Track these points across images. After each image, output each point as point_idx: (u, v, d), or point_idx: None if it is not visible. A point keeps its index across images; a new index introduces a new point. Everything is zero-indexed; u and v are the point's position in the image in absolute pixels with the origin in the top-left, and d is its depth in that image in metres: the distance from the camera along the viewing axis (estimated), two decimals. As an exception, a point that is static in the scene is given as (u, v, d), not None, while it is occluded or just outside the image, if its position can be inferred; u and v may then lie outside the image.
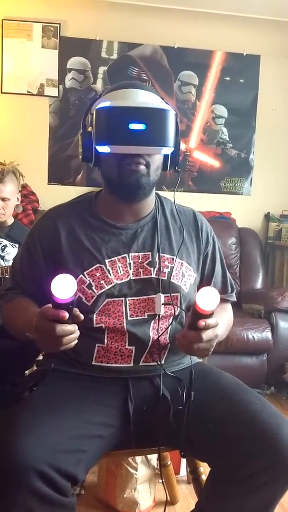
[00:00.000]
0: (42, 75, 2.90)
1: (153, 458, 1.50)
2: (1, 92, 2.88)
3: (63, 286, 0.80)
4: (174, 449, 1.13)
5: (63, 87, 2.94)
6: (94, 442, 0.92)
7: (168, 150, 0.99)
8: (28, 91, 2.90)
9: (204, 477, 1.13)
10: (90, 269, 1.02)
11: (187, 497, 1.56)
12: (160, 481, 1.53)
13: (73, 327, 0.84)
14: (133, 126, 0.92)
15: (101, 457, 0.98)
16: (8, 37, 2.84)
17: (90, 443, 0.91)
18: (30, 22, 2.84)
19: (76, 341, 0.87)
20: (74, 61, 2.94)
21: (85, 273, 1.02)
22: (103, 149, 0.97)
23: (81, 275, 1.01)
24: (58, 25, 2.87)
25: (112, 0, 2.85)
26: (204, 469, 1.09)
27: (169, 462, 1.44)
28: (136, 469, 1.45)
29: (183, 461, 1.64)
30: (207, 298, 0.86)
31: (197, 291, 1.06)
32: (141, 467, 1.46)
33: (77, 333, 0.86)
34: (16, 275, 1.11)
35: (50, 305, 0.83)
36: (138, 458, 1.45)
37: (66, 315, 0.81)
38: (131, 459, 1.44)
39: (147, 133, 0.93)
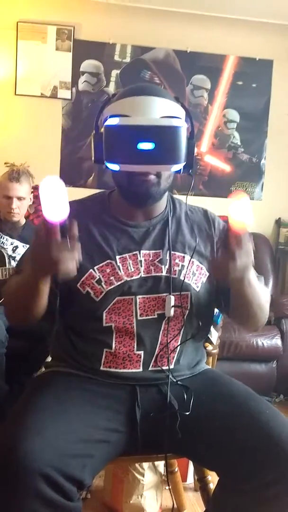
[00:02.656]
0: (55, 78, 2.92)
1: (160, 464, 1.48)
2: (15, 94, 2.89)
3: (54, 203, 0.75)
4: (181, 456, 1.12)
5: (76, 89, 2.95)
6: (101, 447, 0.92)
7: (179, 167, 0.97)
8: (41, 93, 2.91)
9: (212, 486, 1.11)
10: (100, 265, 1.02)
11: (194, 504, 1.55)
12: (167, 488, 1.52)
13: (72, 249, 0.81)
14: (142, 146, 0.90)
15: (107, 462, 0.97)
16: (23, 39, 2.86)
17: (97, 447, 0.91)
18: (45, 24, 2.86)
19: (76, 270, 0.83)
20: (87, 64, 2.95)
21: (95, 268, 1.02)
22: (113, 166, 0.97)
23: (91, 270, 1.01)
24: (72, 28, 2.88)
25: (125, 4, 2.86)
26: (212, 477, 1.08)
27: (176, 469, 1.42)
28: (143, 475, 1.44)
29: (191, 468, 1.62)
30: (241, 209, 0.82)
31: (218, 289, 1.04)
32: (148, 473, 1.45)
33: (77, 256, 0.82)
34: (24, 263, 1.06)
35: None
36: (145, 464, 1.44)
37: (58, 235, 0.79)
38: (138, 465, 1.43)
39: (156, 152, 0.91)
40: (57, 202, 0.77)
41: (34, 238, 0.84)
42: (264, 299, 1.06)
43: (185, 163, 0.97)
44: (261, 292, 1.04)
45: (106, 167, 0.99)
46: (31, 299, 0.94)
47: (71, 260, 0.82)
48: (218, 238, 1.11)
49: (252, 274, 0.95)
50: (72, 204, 1.10)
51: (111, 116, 0.94)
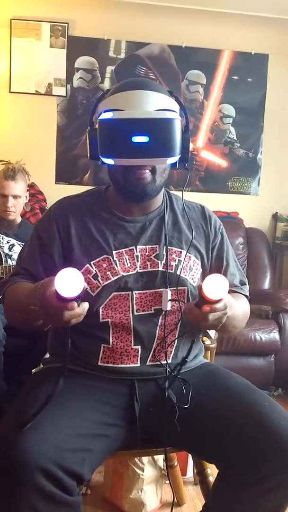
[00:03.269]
0: (50, 75, 2.90)
1: (160, 458, 1.49)
2: (9, 92, 2.88)
3: (69, 282, 0.77)
4: (181, 450, 1.12)
5: (71, 86, 2.94)
6: (99, 441, 0.92)
7: (173, 159, 0.97)
8: (36, 91, 2.90)
9: (211, 479, 1.12)
10: (97, 260, 1.02)
11: (194, 498, 1.55)
12: (167, 482, 1.52)
13: (81, 309, 0.83)
14: (136, 139, 0.90)
15: (106, 457, 0.98)
16: (17, 36, 2.84)
17: (96, 442, 0.91)
18: (39, 21, 2.85)
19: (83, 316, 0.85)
20: (82, 61, 2.94)
21: (91, 263, 1.02)
22: (108, 161, 0.97)
23: (88, 265, 1.01)
24: (66, 25, 2.87)
25: (120, -1, 2.85)
26: (212, 470, 1.08)
27: (176, 463, 1.43)
28: (142, 470, 1.44)
29: (190, 462, 1.63)
30: (214, 286, 0.83)
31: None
32: (148, 468, 1.45)
33: (86, 310, 0.84)
34: (24, 261, 1.08)
35: (54, 286, 0.79)
36: (145, 459, 1.44)
37: (72, 306, 0.80)
38: (137, 459, 1.43)
39: (151, 145, 0.91)
40: (72, 283, 0.78)
41: (43, 300, 0.83)
42: (244, 316, 1.10)
43: (179, 156, 0.97)
44: (240, 315, 1.06)
45: (102, 162, 0.99)
46: (34, 321, 1.00)
47: (80, 317, 0.84)
48: (214, 236, 1.12)
49: (229, 310, 0.91)
50: (70, 198, 1.11)
51: (105, 111, 0.94)
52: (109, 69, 2.96)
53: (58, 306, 0.80)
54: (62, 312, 0.80)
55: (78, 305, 0.83)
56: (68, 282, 0.78)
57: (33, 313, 0.90)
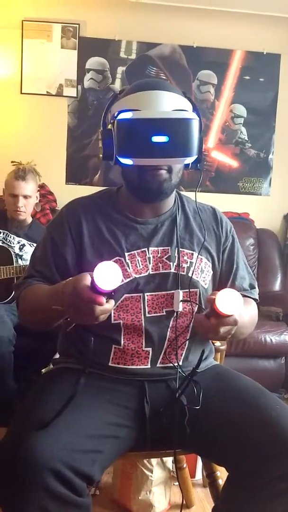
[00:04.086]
0: (61, 76, 2.92)
1: (169, 460, 1.49)
2: (21, 93, 2.90)
3: (108, 275, 0.78)
4: (190, 452, 1.11)
5: (81, 87, 2.95)
6: (109, 442, 0.92)
7: (191, 159, 0.98)
8: (47, 92, 2.92)
9: (221, 482, 1.11)
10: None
11: (202, 501, 1.55)
12: (176, 483, 1.52)
13: (111, 305, 0.84)
14: (156, 139, 0.90)
15: (116, 458, 0.98)
16: (28, 37, 2.86)
17: (106, 443, 0.91)
18: (50, 22, 2.86)
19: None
20: (93, 61, 2.94)
21: None
22: (126, 161, 0.96)
23: None
24: (77, 26, 2.88)
25: (130, 0, 2.84)
26: (221, 473, 1.07)
27: (185, 465, 1.42)
28: (151, 471, 1.44)
29: (199, 464, 1.62)
30: (228, 301, 0.83)
31: (217, 289, 1.04)
32: (157, 469, 1.45)
33: (113, 306, 0.85)
34: (37, 263, 1.07)
35: (86, 281, 0.81)
36: (154, 460, 1.44)
37: (104, 301, 0.81)
38: (146, 461, 1.43)
39: (170, 145, 0.91)
40: (111, 277, 0.79)
41: (73, 297, 0.83)
42: (251, 323, 1.10)
43: (196, 156, 0.97)
44: (248, 322, 1.05)
45: (117, 162, 0.98)
46: (53, 322, 1.00)
47: (107, 314, 0.85)
48: (225, 238, 1.12)
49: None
50: (82, 199, 1.12)
51: (122, 111, 0.94)
52: (120, 69, 2.96)
53: (92, 301, 0.80)
54: (94, 308, 0.81)
55: (107, 301, 0.83)
56: (107, 274, 0.78)
57: (53, 313, 0.90)
